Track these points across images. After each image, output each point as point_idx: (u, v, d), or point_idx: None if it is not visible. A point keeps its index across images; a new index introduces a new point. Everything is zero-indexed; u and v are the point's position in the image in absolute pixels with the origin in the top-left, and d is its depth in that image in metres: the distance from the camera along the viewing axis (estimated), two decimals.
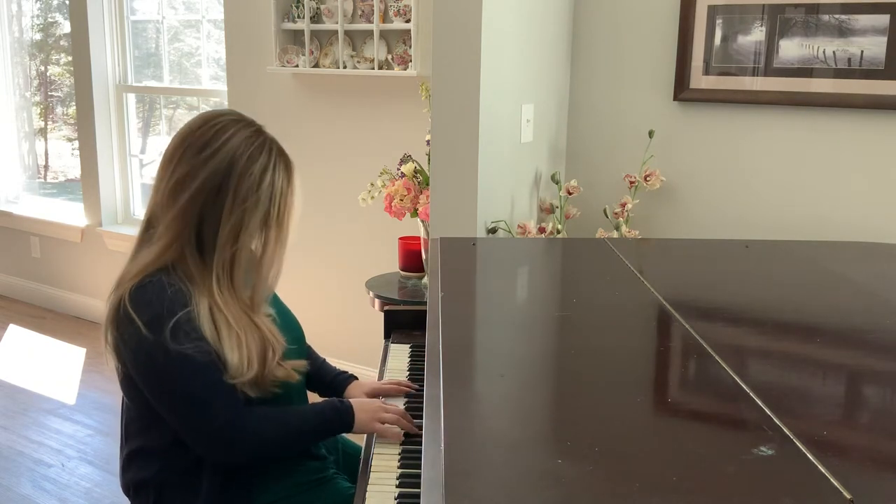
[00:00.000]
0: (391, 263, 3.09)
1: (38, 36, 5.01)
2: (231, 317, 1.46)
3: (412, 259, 2.95)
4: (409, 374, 1.79)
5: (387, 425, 1.50)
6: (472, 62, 2.20)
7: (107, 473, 2.93)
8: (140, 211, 4.47)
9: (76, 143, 4.59)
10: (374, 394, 1.71)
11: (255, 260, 1.52)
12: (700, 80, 2.50)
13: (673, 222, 2.61)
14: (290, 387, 1.59)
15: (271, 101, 3.58)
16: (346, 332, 3.49)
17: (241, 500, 1.53)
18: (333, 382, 1.78)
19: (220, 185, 1.44)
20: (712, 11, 2.44)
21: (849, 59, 2.28)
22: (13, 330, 4.43)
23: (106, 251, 4.39)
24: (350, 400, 1.56)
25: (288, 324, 1.68)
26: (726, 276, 1.79)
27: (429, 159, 2.60)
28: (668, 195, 2.60)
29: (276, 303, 1.73)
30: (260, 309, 1.54)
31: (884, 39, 2.23)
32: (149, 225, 1.52)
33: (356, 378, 1.80)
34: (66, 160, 5.23)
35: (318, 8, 3.30)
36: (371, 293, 2.83)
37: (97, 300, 4.45)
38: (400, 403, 1.66)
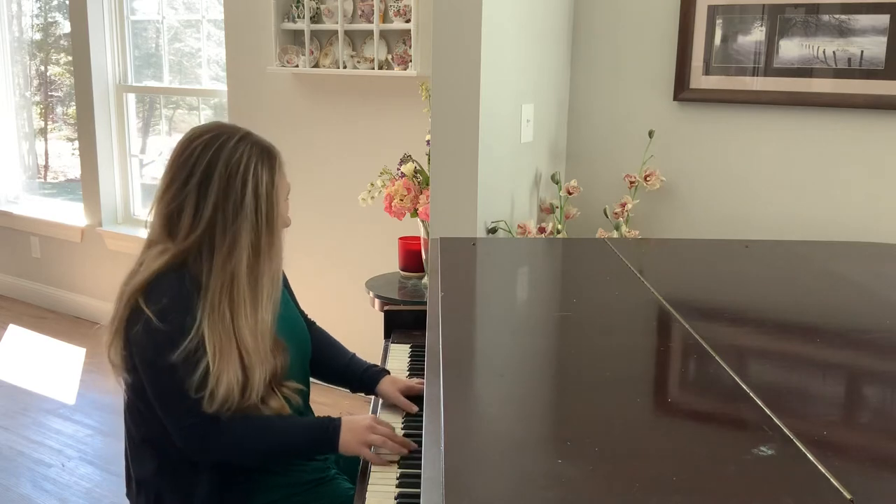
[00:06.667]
0: (391, 263, 3.09)
1: (38, 36, 5.01)
2: (224, 341, 1.44)
3: (412, 259, 2.95)
4: (409, 374, 1.78)
5: (373, 451, 1.45)
6: (472, 62, 2.20)
7: (107, 473, 2.93)
8: (140, 211, 4.47)
9: (76, 143, 4.59)
10: (406, 392, 1.68)
11: (252, 270, 1.49)
12: (700, 80, 2.50)
13: (673, 222, 2.61)
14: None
15: (271, 101, 3.58)
16: (346, 332, 3.48)
17: (242, 500, 1.53)
18: (364, 377, 1.74)
19: (212, 207, 1.46)
20: (712, 11, 2.44)
21: (849, 59, 2.28)
22: (13, 330, 4.43)
23: (106, 251, 4.39)
24: (342, 418, 1.51)
25: (296, 335, 1.67)
26: (726, 276, 1.79)
27: (429, 159, 2.60)
28: (668, 195, 2.60)
29: (289, 310, 1.72)
30: (260, 324, 1.50)
31: (884, 39, 2.23)
32: (150, 242, 1.53)
33: (388, 372, 1.75)
34: (66, 160, 5.23)
35: (318, 8, 3.30)
36: (371, 293, 2.83)
37: (97, 300, 4.44)
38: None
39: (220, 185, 1.46)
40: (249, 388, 1.46)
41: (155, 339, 1.41)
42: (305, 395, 1.67)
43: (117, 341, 1.48)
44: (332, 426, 1.48)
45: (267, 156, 1.51)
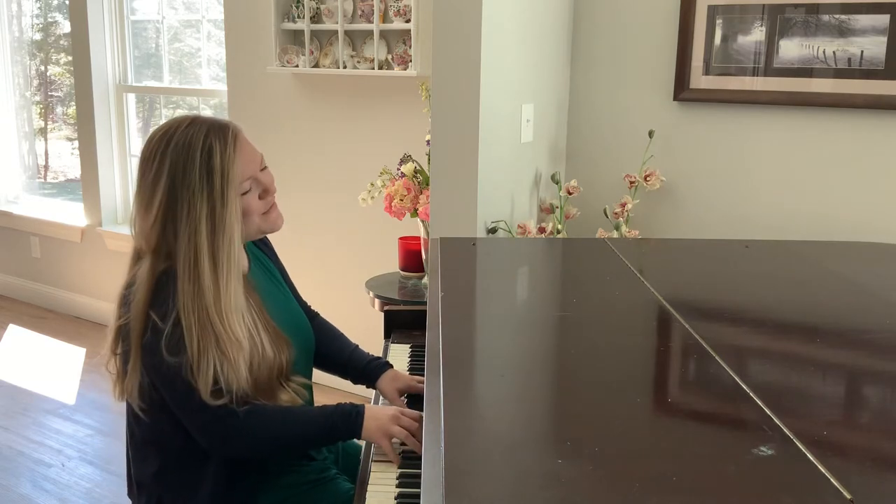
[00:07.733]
0: (391, 263, 3.09)
1: (38, 36, 5.01)
2: (200, 329, 1.41)
3: (412, 259, 2.95)
4: (409, 374, 1.78)
5: (394, 442, 1.44)
6: (472, 62, 2.20)
7: (107, 473, 2.93)
8: None
9: (76, 143, 4.59)
10: (408, 391, 1.67)
11: (212, 244, 1.45)
12: (700, 80, 2.50)
13: (673, 222, 2.61)
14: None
15: (271, 101, 3.58)
16: (346, 332, 3.48)
17: (244, 500, 1.53)
18: (366, 369, 1.73)
19: (167, 195, 1.43)
20: (712, 11, 2.44)
21: (849, 59, 2.28)
22: (13, 330, 4.43)
23: (106, 251, 4.39)
24: (365, 405, 1.49)
25: (299, 331, 1.67)
26: (726, 276, 1.79)
27: (429, 159, 2.60)
28: (668, 195, 2.60)
29: (290, 305, 1.72)
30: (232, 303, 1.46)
31: (884, 39, 2.23)
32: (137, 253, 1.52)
33: (391, 366, 1.73)
34: (66, 160, 5.23)
35: (318, 8, 3.30)
36: (371, 293, 2.83)
37: (97, 300, 4.44)
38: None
39: (170, 170, 1.43)
40: (245, 374, 1.44)
41: (160, 341, 1.41)
42: (310, 390, 1.67)
43: (127, 350, 1.46)
44: (355, 411, 1.46)
45: (219, 128, 1.47)
